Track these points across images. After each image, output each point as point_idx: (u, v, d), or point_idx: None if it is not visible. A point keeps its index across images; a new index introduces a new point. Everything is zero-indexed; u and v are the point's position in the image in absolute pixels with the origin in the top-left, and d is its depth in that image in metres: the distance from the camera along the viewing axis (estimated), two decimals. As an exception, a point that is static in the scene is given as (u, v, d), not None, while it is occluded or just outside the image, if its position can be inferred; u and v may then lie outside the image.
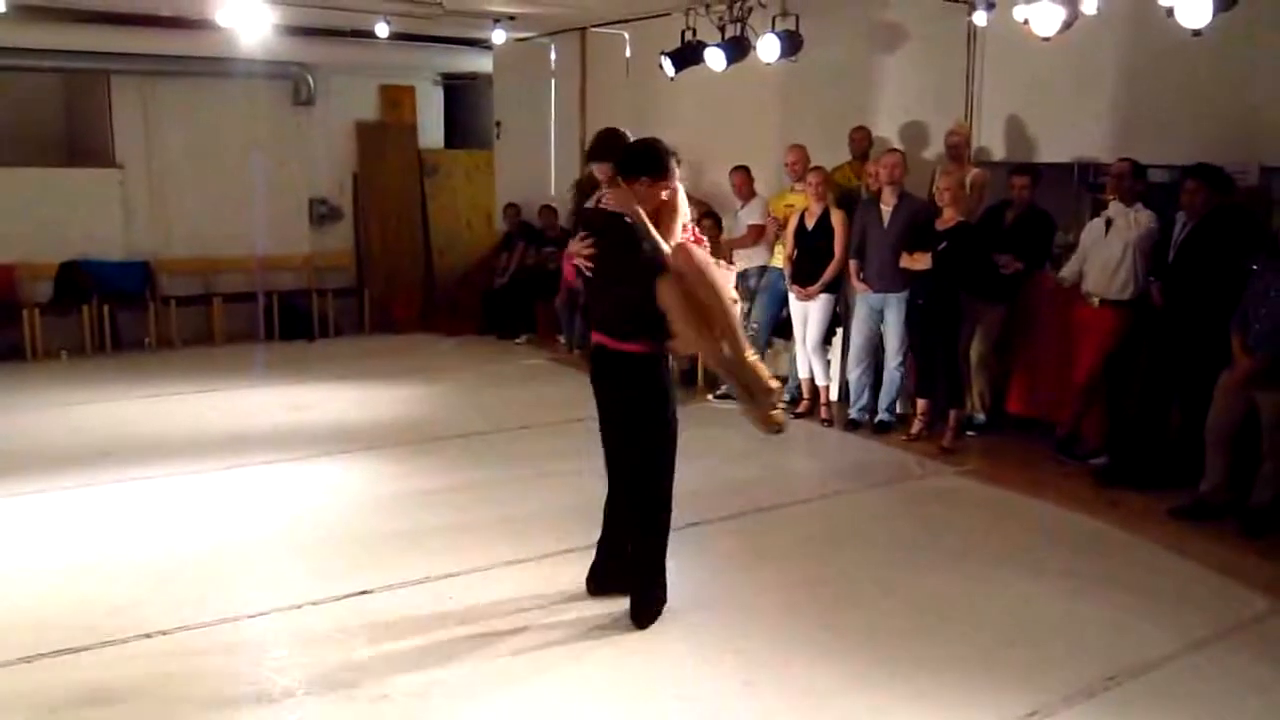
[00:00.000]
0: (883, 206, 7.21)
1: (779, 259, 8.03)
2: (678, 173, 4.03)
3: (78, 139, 10.85)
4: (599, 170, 4.14)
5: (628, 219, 3.88)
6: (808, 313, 7.59)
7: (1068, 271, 6.61)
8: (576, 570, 4.51)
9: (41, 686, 3.65)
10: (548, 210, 11.16)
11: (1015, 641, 4.12)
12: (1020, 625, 4.28)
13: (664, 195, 3.95)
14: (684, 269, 3.76)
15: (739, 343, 3.84)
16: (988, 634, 4.19)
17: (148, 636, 4.03)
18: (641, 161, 3.95)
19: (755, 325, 8.10)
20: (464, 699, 3.57)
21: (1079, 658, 3.98)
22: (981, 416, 7.29)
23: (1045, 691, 3.71)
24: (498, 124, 12.12)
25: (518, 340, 10.78)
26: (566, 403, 7.88)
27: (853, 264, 7.40)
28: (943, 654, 3.99)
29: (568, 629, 4.12)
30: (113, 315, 10.09)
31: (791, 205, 8.05)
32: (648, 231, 3.85)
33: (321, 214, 11.51)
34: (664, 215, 3.95)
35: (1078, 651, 4.04)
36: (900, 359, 7.25)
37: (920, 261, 6.83)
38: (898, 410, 7.48)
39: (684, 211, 4.06)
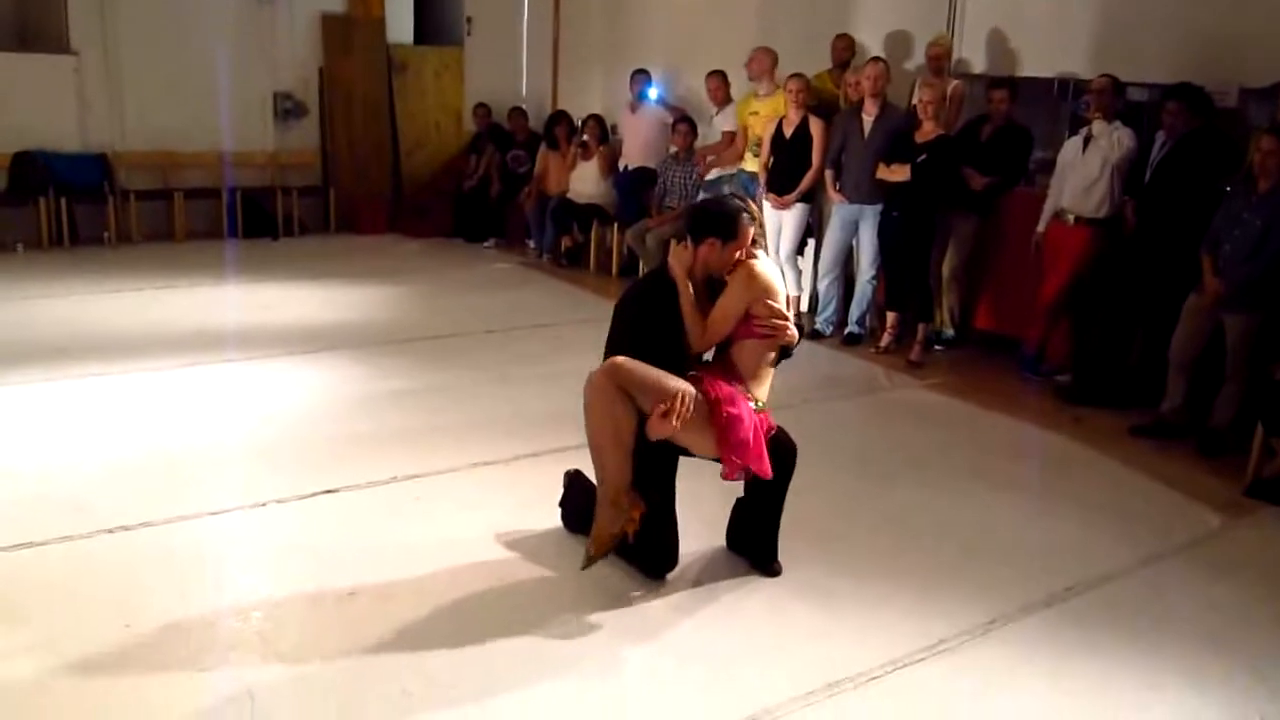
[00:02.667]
0: (864, 117, 7.13)
1: (750, 164, 7.95)
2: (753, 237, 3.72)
3: (29, 23, 10.45)
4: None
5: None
6: (782, 222, 7.55)
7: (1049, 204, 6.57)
8: (544, 473, 4.51)
9: (2, 578, 3.62)
10: (518, 112, 10.95)
11: (976, 553, 4.19)
12: (981, 537, 4.34)
13: (737, 255, 3.69)
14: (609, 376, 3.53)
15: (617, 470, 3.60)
16: (950, 545, 4.25)
17: (109, 532, 4.00)
18: (707, 222, 3.70)
19: None
20: (429, 597, 3.57)
21: (1038, 569, 4.05)
22: (950, 332, 7.33)
23: (1004, 601, 3.77)
24: (468, 20, 11.82)
25: (486, 244, 10.67)
26: (534, 308, 7.84)
27: (829, 174, 7.33)
28: (905, 564, 4.05)
29: (532, 531, 4.13)
30: (70, 209, 9.84)
31: (755, 112, 7.95)
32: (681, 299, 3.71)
33: (286, 109, 11.20)
34: (733, 285, 3.68)
35: (1036, 563, 4.10)
36: (873, 272, 7.25)
37: (899, 174, 6.78)
38: (867, 323, 7.50)
39: (767, 288, 3.69)
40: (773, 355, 3.74)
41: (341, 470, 4.67)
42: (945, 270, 7.17)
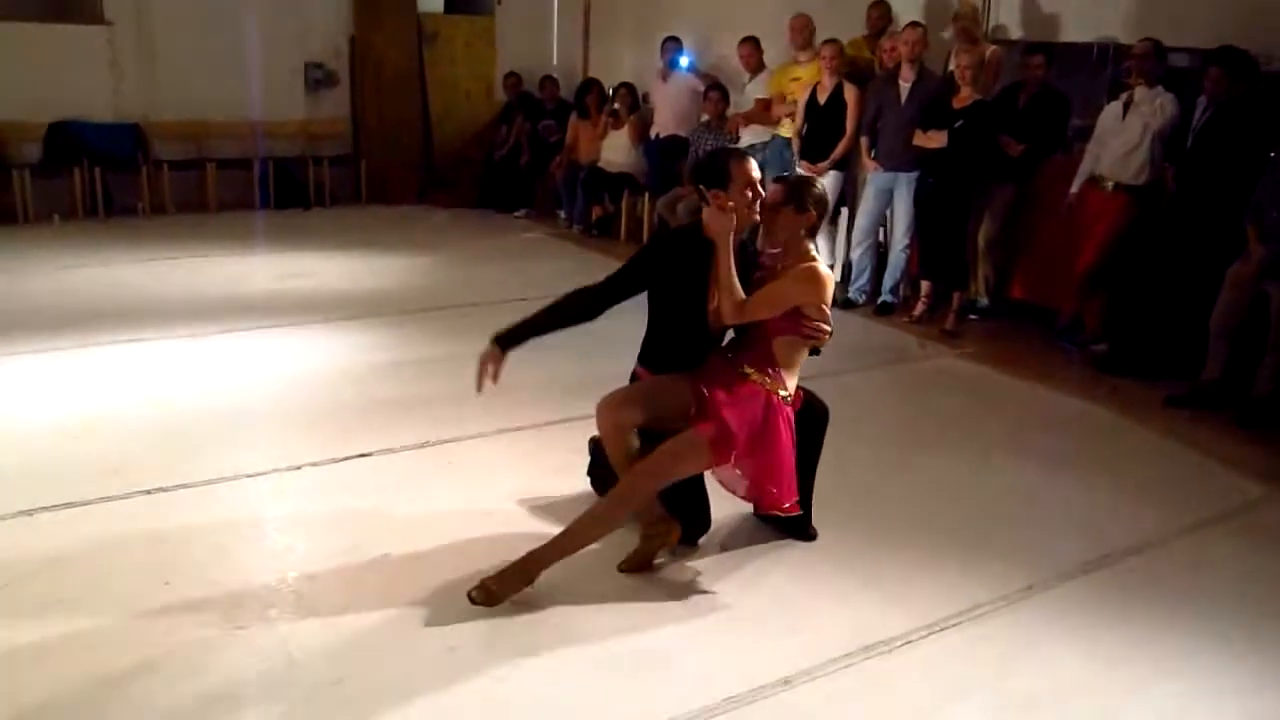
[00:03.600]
0: (900, 83, 7.06)
1: (785, 129, 7.90)
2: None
3: (63, -7, 10.52)
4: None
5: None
6: (814, 190, 7.50)
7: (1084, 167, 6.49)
8: (575, 438, 4.51)
9: (45, 537, 3.68)
10: (549, 81, 10.92)
11: (1012, 521, 4.17)
12: (1017, 506, 4.32)
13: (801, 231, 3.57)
14: None
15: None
16: (985, 514, 4.23)
17: (147, 493, 4.05)
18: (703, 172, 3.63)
19: None
20: (463, 560, 3.60)
21: (1074, 538, 4.03)
22: (985, 301, 7.27)
23: (1041, 568, 3.76)
24: (499, -11, 11.79)
25: (516, 214, 10.67)
26: (564, 277, 7.73)
27: (863, 141, 7.28)
28: (940, 531, 4.04)
29: (563, 496, 4.16)
30: (104, 179, 9.91)
31: (797, 79, 7.89)
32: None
33: (317, 79, 11.22)
34: (793, 278, 3.52)
35: (1073, 532, 4.08)
36: (907, 240, 7.20)
37: (935, 140, 6.72)
38: (901, 292, 7.46)
39: (824, 291, 3.53)
40: (805, 351, 3.72)
41: (373, 435, 4.70)
42: (981, 238, 7.11)
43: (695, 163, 3.78)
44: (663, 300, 3.71)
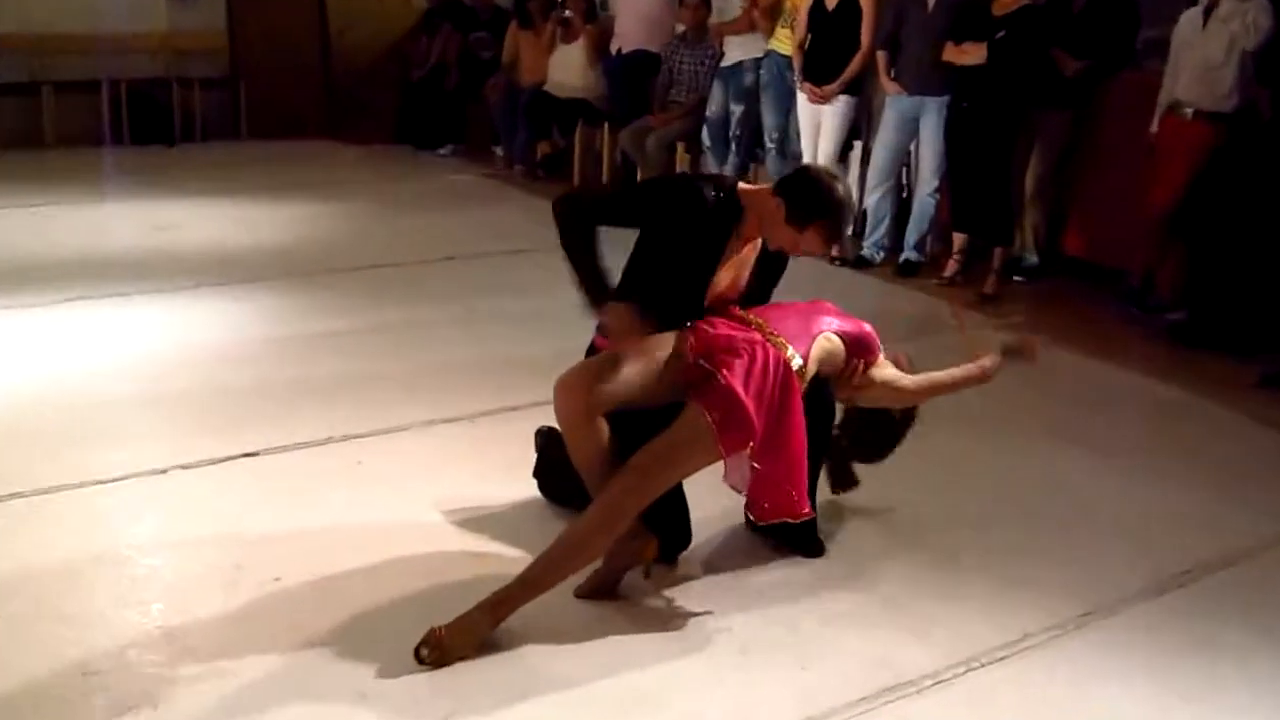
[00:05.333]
0: (929, -16, 7.07)
1: (782, 43, 7.89)
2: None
3: None
4: None
5: None
6: (820, 119, 7.52)
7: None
8: (518, 432, 4.50)
9: None
10: (482, -19, 10.88)
11: (1069, 531, 4.20)
12: (1075, 512, 4.35)
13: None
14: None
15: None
16: (1035, 522, 4.25)
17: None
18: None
19: (775, 134, 8.03)
20: (376, 586, 3.58)
21: (1143, 550, 4.06)
22: (1033, 258, 7.33)
23: (1103, 589, 3.78)
24: None
25: (441, 151, 10.64)
26: (505, 229, 7.82)
27: (882, 57, 7.29)
28: (979, 544, 4.07)
29: (504, 503, 4.14)
30: (-90, 105, 9.81)
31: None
32: None
33: (184, -20, 11.14)
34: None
35: (1144, 543, 4.12)
36: (936, 183, 7.23)
37: (971, 54, 6.72)
38: (928, 248, 7.49)
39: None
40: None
41: (264, 429, 4.66)
42: (1029, 180, 7.15)
43: (789, 177, 3.74)
44: (654, 256, 3.72)
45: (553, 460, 4.03)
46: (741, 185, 3.74)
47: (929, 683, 3.26)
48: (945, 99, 6.99)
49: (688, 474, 3.48)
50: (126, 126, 10.72)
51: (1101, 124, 7.02)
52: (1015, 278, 7.22)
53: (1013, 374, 5.64)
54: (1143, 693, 3.29)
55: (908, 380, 3.89)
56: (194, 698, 3.05)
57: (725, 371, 3.37)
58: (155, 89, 10.86)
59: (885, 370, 3.85)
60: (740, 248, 3.71)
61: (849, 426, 3.99)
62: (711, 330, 3.52)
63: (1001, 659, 3.39)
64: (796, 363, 3.50)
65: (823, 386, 3.73)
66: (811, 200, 3.54)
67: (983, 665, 3.35)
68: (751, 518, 3.77)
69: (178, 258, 7.12)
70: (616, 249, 3.76)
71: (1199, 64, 6.30)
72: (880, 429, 3.99)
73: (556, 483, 4.05)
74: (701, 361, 3.42)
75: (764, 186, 3.75)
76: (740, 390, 3.34)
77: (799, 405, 3.47)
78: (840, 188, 3.58)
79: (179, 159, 10.25)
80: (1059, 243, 7.36)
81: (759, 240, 3.74)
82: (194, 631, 3.34)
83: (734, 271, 3.72)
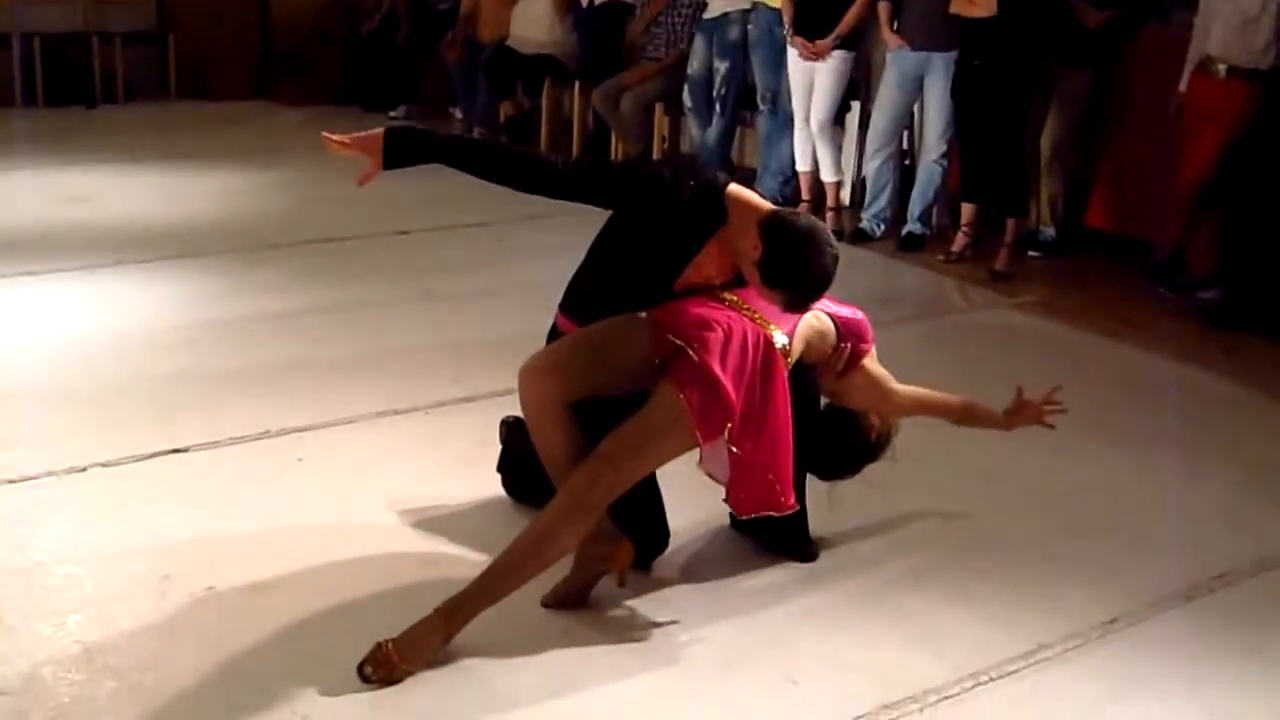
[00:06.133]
0: (935, -77, 7.06)
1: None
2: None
3: None
4: None
5: None
6: (813, 77, 7.51)
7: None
8: (479, 423, 4.51)
9: None
10: (437, -76, 10.84)
11: (1091, 530, 4.21)
12: (1098, 509, 4.36)
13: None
14: None
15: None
16: (1053, 521, 4.27)
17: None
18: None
19: (767, 94, 8.01)
20: (320, 596, 3.57)
21: (1176, 551, 4.08)
22: (1050, 232, 7.34)
23: (1130, 593, 3.79)
24: None
25: (393, 113, 10.60)
26: (463, 200, 7.76)
27: (884, 8, 7.29)
28: (990, 545, 4.08)
29: (464, 503, 4.14)
30: None
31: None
32: None
33: (103, -80, 11.08)
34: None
35: (1174, 543, 4.14)
36: (943, 148, 7.24)
37: (981, 5, 6.72)
38: (934, 220, 7.50)
39: None
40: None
41: (193, 422, 4.65)
42: (1044, 144, 7.16)
43: (781, 224, 3.63)
44: (623, 242, 3.70)
45: (518, 454, 4.03)
46: (733, 190, 3.62)
47: (934, 699, 3.26)
48: (952, 55, 6.97)
49: (661, 462, 3.47)
50: (40, 86, 10.65)
51: (1127, 83, 7.03)
52: (1030, 253, 7.23)
53: (1032, 361, 5.69)
54: (1170, 707, 3.29)
55: (898, 386, 3.87)
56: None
57: (698, 347, 3.36)
58: (72, 44, 10.79)
59: (876, 366, 3.84)
60: (717, 256, 3.63)
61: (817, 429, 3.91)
62: (682, 308, 3.51)
63: (1014, 672, 3.39)
64: (780, 340, 3.49)
65: (806, 373, 3.73)
66: (790, 265, 3.42)
67: (994, 679, 3.36)
68: (731, 511, 3.77)
69: (96, 232, 7.10)
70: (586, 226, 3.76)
71: (1233, 16, 6.31)
72: (848, 444, 3.91)
73: (522, 478, 4.04)
74: (672, 337, 3.41)
75: (756, 203, 3.60)
76: (716, 367, 3.33)
77: (783, 385, 3.46)
78: (827, 264, 3.43)
79: (99, 122, 10.20)
80: (1081, 214, 7.37)
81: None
82: (116, 647, 3.32)
83: (708, 273, 3.68)
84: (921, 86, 7.27)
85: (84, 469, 4.29)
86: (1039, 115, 7.10)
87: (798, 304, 3.49)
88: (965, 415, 4.00)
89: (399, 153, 3.52)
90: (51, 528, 3.93)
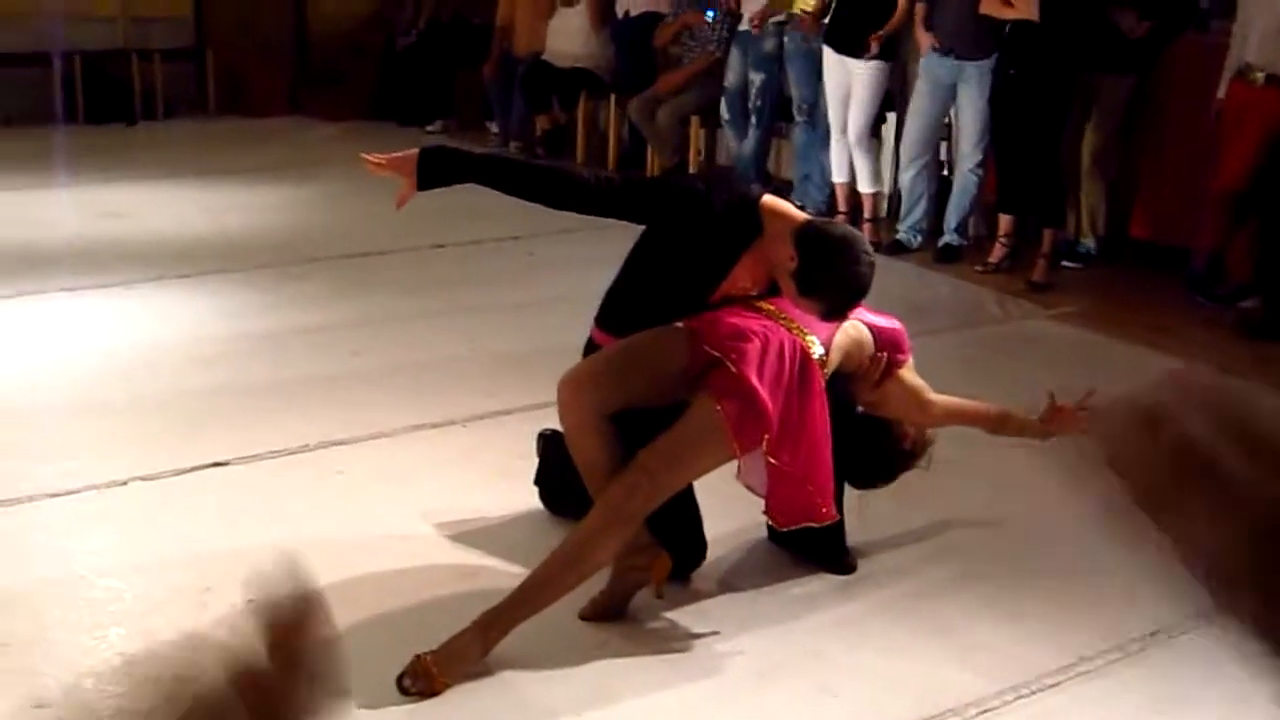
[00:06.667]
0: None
1: (807, 5, 7.86)
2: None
3: None
4: None
5: None
6: (850, 87, 7.49)
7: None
8: (515, 437, 4.51)
9: None
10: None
11: (1135, 544, 4.16)
12: (1141, 519, 4.32)
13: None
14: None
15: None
16: (1092, 536, 4.19)
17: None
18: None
19: (803, 105, 8.01)
20: (358, 608, 3.57)
21: (1216, 563, 4.05)
22: (1090, 242, 7.30)
23: (1171, 606, 3.74)
24: None
25: (429, 128, 10.61)
26: (499, 214, 7.76)
27: (921, 7, 7.26)
28: (1027, 560, 4.09)
29: (500, 517, 4.16)
30: None
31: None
32: None
33: (142, -62, 11.16)
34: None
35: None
36: (979, 158, 7.21)
37: (1019, 8, 6.68)
38: (970, 231, 7.47)
39: None
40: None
41: (233, 435, 4.67)
42: (1086, 154, 7.12)
43: (816, 233, 3.63)
44: (659, 255, 3.72)
45: (555, 466, 4.04)
46: (767, 201, 3.66)
47: (973, 711, 3.25)
48: (986, 63, 6.94)
49: (699, 474, 3.47)
50: (81, 104, 10.69)
51: (1167, 91, 7.01)
52: (1066, 264, 7.20)
53: (1069, 372, 5.66)
54: (1216, 714, 3.27)
55: (934, 396, 3.86)
56: (156, 732, 3.05)
57: (735, 358, 3.36)
58: (113, 62, 10.85)
59: (913, 376, 3.83)
60: (753, 267, 3.66)
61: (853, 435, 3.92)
62: (719, 318, 3.52)
63: (1055, 685, 3.38)
64: (817, 350, 3.49)
65: (843, 382, 3.73)
66: (826, 274, 3.45)
67: (1033, 693, 3.35)
68: (770, 524, 3.77)
69: (135, 248, 7.13)
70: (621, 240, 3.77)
71: (1270, 23, 6.29)
72: (883, 453, 3.91)
73: (560, 492, 4.05)
74: (709, 348, 3.42)
75: (791, 214, 3.65)
76: (753, 378, 3.33)
77: (820, 395, 3.46)
78: (863, 272, 3.46)
79: (139, 139, 10.26)
80: (1123, 225, 7.34)
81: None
82: (155, 661, 3.34)
83: (744, 284, 3.70)
84: (955, 95, 7.24)
85: (124, 483, 4.31)
86: (1078, 124, 7.07)
87: (834, 313, 3.49)
88: (1001, 424, 3.97)
89: (433, 173, 3.59)
90: (93, 541, 3.96)
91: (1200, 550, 0.71)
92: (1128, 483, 0.73)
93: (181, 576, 3.75)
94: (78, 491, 4.24)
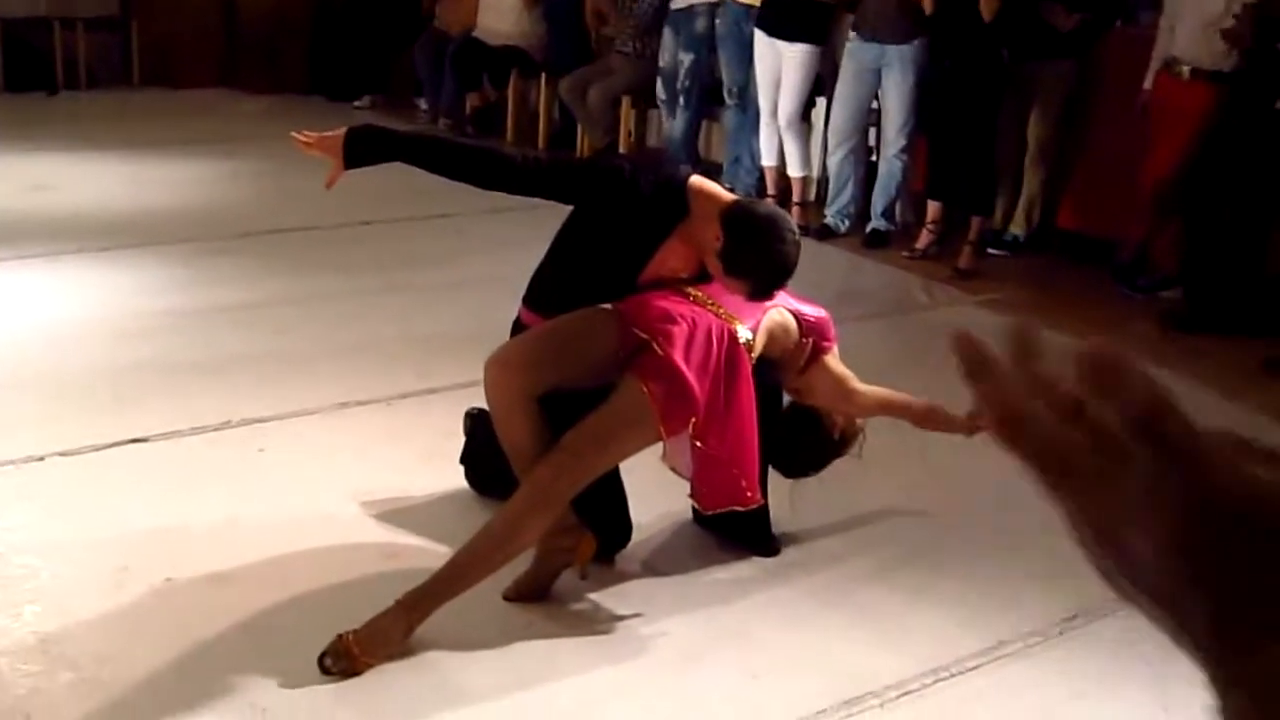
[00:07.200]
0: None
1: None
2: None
3: None
4: None
5: None
6: (780, 71, 7.50)
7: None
8: (442, 416, 4.51)
9: None
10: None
11: (1052, 529, 4.17)
12: (1059, 515, 4.37)
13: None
14: None
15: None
16: (1014, 520, 4.21)
17: None
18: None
19: (734, 89, 8.02)
20: (279, 588, 3.56)
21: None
22: (1019, 231, 7.36)
23: (1092, 590, 3.77)
24: None
25: (358, 103, 10.56)
26: (428, 192, 7.72)
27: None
28: (951, 544, 4.13)
29: (426, 496, 4.14)
30: None
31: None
32: None
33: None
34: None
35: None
36: (904, 143, 7.24)
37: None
38: (899, 217, 7.53)
39: None
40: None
41: (153, 412, 4.62)
42: (1031, 143, 7.17)
43: (742, 213, 3.62)
44: (586, 236, 3.72)
45: (482, 446, 4.03)
46: (695, 182, 3.66)
47: (894, 694, 3.28)
48: (909, 48, 6.97)
49: (625, 455, 3.48)
50: (0, 72, 10.57)
51: (1096, 84, 7.09)
52: (991, 251, 7.25)
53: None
54: (1128, 702, 3.34)
55: (861, 386, 3.88)
56: (72, 713, 3.03)
57: (662, 340, 3.37)
58: (33, 30, 10.70)
59: (838, 365, 3.85)
60: (681, 249, 3.66)
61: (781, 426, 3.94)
62: (647, 301, 3.52)
63: (975, 668, 3.42)
64: (744, 335, 3.51)
65: (769, 369, 3.75)
66: (751, 254, 3.47)
67: (954, 675, 3.38)
68: (696, 506, 3.78)
69: (57, 220, 7.04)
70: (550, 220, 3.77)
71: (1196, 18, 6.36)
72: (811, 441, 3.93)
73: (487, 471, 4.04)
74: (637, 330, 3.42)
75: (718, 195, 3.65)
76: (680, 360, 3.34)
77: (747, 380, 3.48)
78: (788, 251, 3.47)
79: (61, 109, 10.14)
80: (1051, 215, 7.41)
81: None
82: (73, 638, 3.31)
83: (673, 265, 3.70)
84: (878, 80, 7.26)
85: (41, 458, 4.26)
86: (1020, 114, 7.12)
87: (760, 292, 3.51)
88: (927, 418, 3.99)
89: (359, 152, 3.59)
90: (8, 518, 3.90)
91: (1098, 527, 0.69)
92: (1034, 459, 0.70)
93: (99, 555, 3.70)
94: (-7, 467, 4.20)
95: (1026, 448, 0.67)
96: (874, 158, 7.84)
